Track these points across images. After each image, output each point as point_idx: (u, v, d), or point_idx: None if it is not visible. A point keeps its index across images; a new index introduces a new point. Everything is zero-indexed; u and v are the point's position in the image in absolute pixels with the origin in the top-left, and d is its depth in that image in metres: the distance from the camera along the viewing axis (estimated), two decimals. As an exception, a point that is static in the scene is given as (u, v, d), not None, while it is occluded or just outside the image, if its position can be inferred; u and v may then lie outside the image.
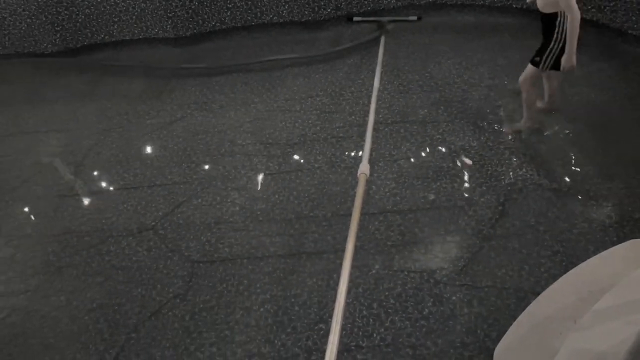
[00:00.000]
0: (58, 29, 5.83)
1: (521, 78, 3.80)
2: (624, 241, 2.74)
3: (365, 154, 3.27)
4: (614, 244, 3.01)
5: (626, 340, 1.80)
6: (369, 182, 3.52)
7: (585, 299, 2.27)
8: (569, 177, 3.56)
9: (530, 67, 3.72)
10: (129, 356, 2.83)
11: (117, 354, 2.85)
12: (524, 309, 2.43)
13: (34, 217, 3.86)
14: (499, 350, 2.36)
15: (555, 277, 2.61)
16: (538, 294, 2.50)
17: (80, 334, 2.99)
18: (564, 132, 3.92)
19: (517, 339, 2.33)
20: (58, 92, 5.36)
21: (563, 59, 3.48)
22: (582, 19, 3.34)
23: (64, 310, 3.14)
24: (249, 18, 5.86)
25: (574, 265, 2.56)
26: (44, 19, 5.73)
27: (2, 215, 3.90)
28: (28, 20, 5.75)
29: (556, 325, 2.26)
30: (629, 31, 4.79)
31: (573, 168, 3.62)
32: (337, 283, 2.95)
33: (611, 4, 4.86)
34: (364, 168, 3.02)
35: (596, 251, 2.96)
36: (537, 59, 3.64)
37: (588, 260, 2.56)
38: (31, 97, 5.33)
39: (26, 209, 3.93)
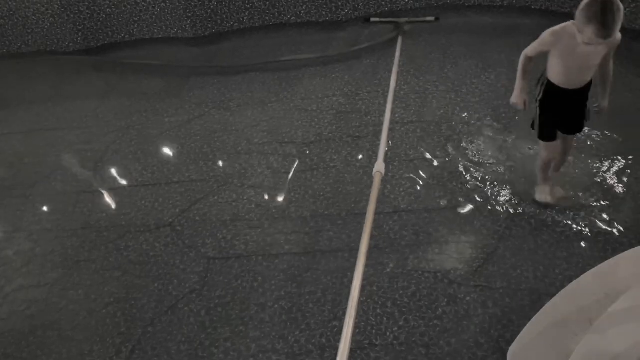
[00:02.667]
0: (80, 28, 5.93)
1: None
2: (641, 244, 2.71)
3: (380, 152, 3.28)
4: (632, 246, 2.98)
5: (642, 342, 1.78)
6: (384, 182, 3.53)
7: (602, 301, 2.25)
8: (586, 177, 3.52)
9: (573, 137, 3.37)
10: (145, 349, 2.87)
11: (133, 347, 2.89)
12: (538, 310, 2.42)
13: (53, 212, 3.93)
14: (513, 351, 2.35)
15: (570, 279, 2.59)
16: (553, 295, 2.48)
17: (98, 327, 3.04)
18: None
19: (531, 340, 2.32)
20: (79, 90, 5.45)
21: (603, 103, 3.15)
22: None
23: (82, 303, 3.19)
24: (267, 18, 5.90)
25: (591, 267, 2.54)
26: (66, 18, 5.84)
27: (23, 210, 3.98)
28: (51, 19, 5.86)
29: (571, 327, 2.24)
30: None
31: (590, 168, 3.59)
32: (351, 281, 2.98)
33: (632, 7, 4.80)
34: (380, 167, 3.03)
35: (614, 253, 2.93)
36: (585, 121, 3.23)
37: (605, 262, 2.54)
38: (52, 95, 5.42)
39: (46, 205, 4.00)
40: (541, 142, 3.26)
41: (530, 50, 3.03)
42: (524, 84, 3.13)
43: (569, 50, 2.83)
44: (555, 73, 2.99)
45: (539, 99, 3.12)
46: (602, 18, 2.50)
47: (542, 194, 3.38)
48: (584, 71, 2.94)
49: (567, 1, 5.21)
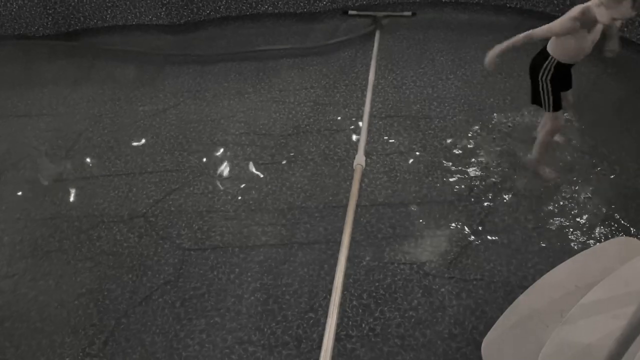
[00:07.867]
0: (50, 11, 5.75)
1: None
2: (609, 239, 2.80)
3: (361, 145, 3.29)
4: (600, 241, 3.07)
5: (612, 334, 1.84)
6: (361, 175, 3.54)
7: (572, 293, 2.32)
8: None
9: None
10: (118, 341, 2.83)
11: (106, 338, 2.85)
12: (511, 302, 2.48)
13: (22, 201, 3.82)
14: (487, 342, 2.40)
15: (542, 272, 2.66)
16: (525, 288, 2.55)
17: (69, 318, 2.98)
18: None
19: (504, 331, 2.37)
20: (49, 75, 5.29)
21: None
22: None
23: (53, 294, 3.12)
24: (244, 8, 5.83)
25: (561, 261, 2.61)
26: (35, 1, 5.66)
27: (-9, 198, 3.86)
28: (20, 2, 5.67)
29: (543, 318, 2.31)
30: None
31: (562, 167, 3.67)
32: (328, 273, 3.02)
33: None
34: (360, 159, 3.04)
35: (583, 248, 3.02)
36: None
37: (575, 256, 2.62)
38: (22, 80, 5.25)
39: (15, 193, 3.89)
40: (552, 114, 3.28)
41: (542, 33, 2.97)
42: (505, 52, 3.17)
43: (587, 30, 2.83)
44: (568, 54, 2.99)
45: (549, 79, 3.14)
46: None
47: (546, 172, 3.52)
48: (593, 45, 2.97)
49: (541, 0, 5.30)
